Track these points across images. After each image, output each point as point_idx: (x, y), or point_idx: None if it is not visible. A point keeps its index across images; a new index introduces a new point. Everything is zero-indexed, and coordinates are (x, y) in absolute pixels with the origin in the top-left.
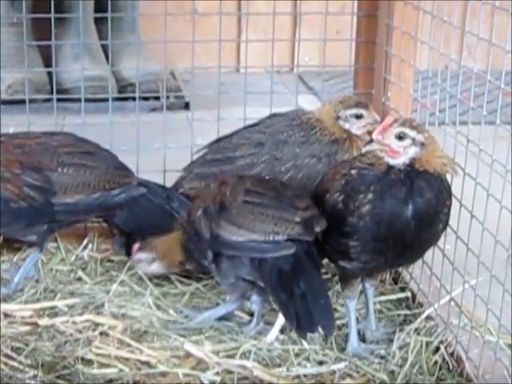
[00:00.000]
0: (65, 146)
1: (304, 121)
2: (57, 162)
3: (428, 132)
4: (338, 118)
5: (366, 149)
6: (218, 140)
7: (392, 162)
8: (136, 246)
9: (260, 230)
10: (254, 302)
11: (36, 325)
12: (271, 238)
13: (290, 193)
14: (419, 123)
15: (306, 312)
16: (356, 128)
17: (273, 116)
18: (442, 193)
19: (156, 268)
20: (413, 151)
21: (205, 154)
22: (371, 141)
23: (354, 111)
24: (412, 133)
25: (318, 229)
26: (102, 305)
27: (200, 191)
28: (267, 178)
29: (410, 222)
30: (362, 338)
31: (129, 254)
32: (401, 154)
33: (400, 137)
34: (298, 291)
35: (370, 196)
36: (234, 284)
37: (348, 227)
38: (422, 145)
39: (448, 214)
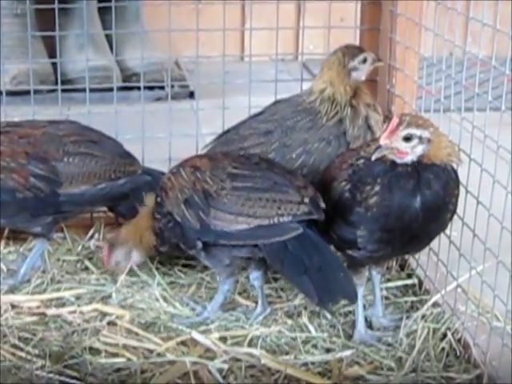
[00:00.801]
0: (70, 135)
1: (308, 105)
2: (62, 152)
3: (433, 125)
4: (350, 71)
5: (376, 156)
6: (225, 132)
7: (400, 161)
8: (105, 250)
9: (263, 214)
10: (256, 279)
11: (43, 315)
12: (276, 221)
13: (279, 170)
14: (423, 118)
15: (326, 283)
16: (365, 73)
17: (276, 103)
18: (449, 183)
19: (136, 258)
20: (420, 149)
21: (213, 147)
22: (379, 147)
23: (361, 56)
24: (418, 132)
25: (322, 205)
26: (110, 295)
27: (167, 180)
28: (242, 153)
29: (418, 214)
30: (369, 325)
31: None
32: (409, 154)
33: (407, 138)
34: (312, 266)
35: (377, 188)
36: (227, 265)
37: (355, 217)
38: (429, 141)
39: (456, 204)
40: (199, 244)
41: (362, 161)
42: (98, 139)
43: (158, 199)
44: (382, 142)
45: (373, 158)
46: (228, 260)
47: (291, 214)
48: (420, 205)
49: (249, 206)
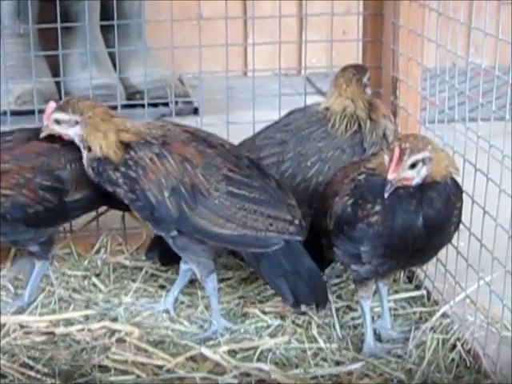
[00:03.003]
0: (64, 144)
1: (323, 116)
2: (64, 161)
3: (429, 141)
4: (365, 86)
5: (388, 192)
6: (241, 143)
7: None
8: (51, 104)
9: (252, 226)
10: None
11: (52, 334)
12: (263, 236)
13: (271, 181)
14: (419, 137)
15: (301, 286)
16: (369, 90)
17: (291, 113)
18: (451, 198)
19: (77, 131)
20: (425, 170)
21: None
22: (388, 182)
23: (368, 74)
24: (421, 155)
25: (306, 226)
26: (118, 313)
27: (149, 161)
28: (228, 147)
29: (421, 232)
30: (378, 338)
31: (164, 262)
32: (415, 178)
33: (413, 165)
34: (290, 269)
35: (378, 207)
36: (202, 260)
37: (358, 232)
38: (430, 159)
39: (459, 215)
40: (174, 230)
41: (363, 176)
42: None
43: (132, 174)
44: (391, 177)
45: (386, 195)
46: (195, 255)
47: (280, 232)
48: (422, 223)
49: (241, 215)
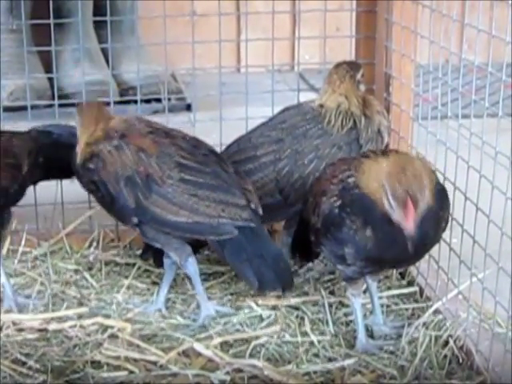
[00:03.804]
0: None
1: (318, 114)
2: None
3: (428, 174)
4: (358, 83)
5: (412, 247)
6: (236, 141)
7: None
8: None
9: (204, 213)
10: (174, 262)
11: (45, 331)
12: (215, 223)
13: (228, 167)
14: (416, 169)
15: (266, 271)
16: (363, 86)
17: (285, 110)
18: (438, 214)
19: None
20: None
21: (227, 157)
22: (410, 237)
23: (361, 71)
24: (426, 199)
25: (260, 212)
26: (110, 308)
27: (107, 153)
28: (188, 138)
29: (408, 250)
30: (371, 334)
31: (158, 263)
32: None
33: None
34: (253, 253)
35: (368, 227)
36: (176, 246)
37: (343, 235)
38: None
39: (448, 219)
40: (135, 219)
41: (353, 179)
42: None
43: (91, 166)
44: (411, 230)
45: (411, 249)
46: (161, 242)
47: (232, 219)
48: (411, 243)
49: (193, 202)
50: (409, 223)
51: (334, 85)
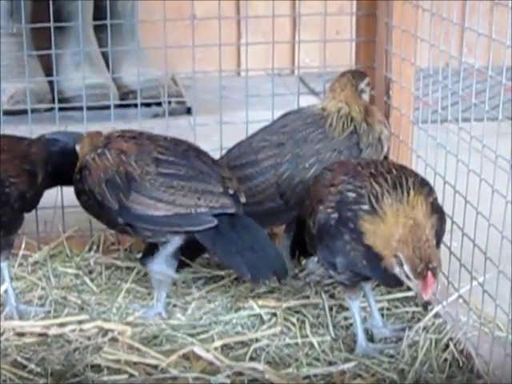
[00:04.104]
0: None
1: (320, 117)
2: None
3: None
4: (360, 92)
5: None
6: (236, 146)
7: None
8: None
9: (182, 203)
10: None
11: (45, 335)
12: (194, 212)
13: (207, 159)
14: (425, 242)
15: (257, 261)
16: (368, 96)
17: (286, 115)
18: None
19: None
20: None
21: (228, 161)
22: (428, 304)
23: (366, 80)
24: (439, 260)
25: (242, 199)
26: (110, 312)
27: (91, 160)
28: (169, 139)
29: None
30: (371, 337)
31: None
32: None
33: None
34: (244, 245)
35: (362, 248)
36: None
37: (336, 245)
38: None
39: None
40: (121, 220)
41: (352, 194)
42: None
43: (79, 176)
44: (428, 300)
45: (425, 309)
46: (154, 239)
47: (209, 207)
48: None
49: (170, 194)
50: (428, 295)
51: (335, 92)
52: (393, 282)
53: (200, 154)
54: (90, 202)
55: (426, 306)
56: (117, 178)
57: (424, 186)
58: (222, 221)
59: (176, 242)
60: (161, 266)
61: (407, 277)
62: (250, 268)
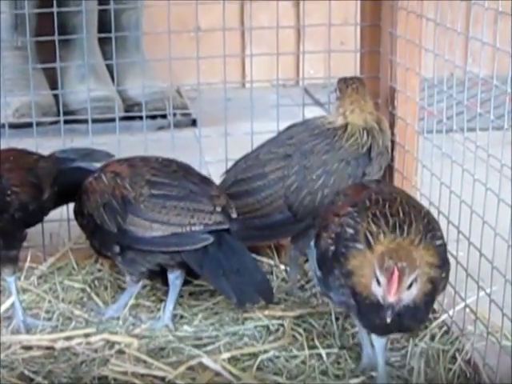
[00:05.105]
0: None
1: (326, 129)
2: None
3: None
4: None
5: (390, 317)
6: (243, 158)
7: None
8: None
9: (176, 222)
10: (177, 278)
11: (52, 348)
12: (189, 230)
13: (195, 178)
14: (404, 250)
15: (243, 284)
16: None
17: (292, 127)
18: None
19: None
20: (415, 289)
21: (235, 174)
22: (390, 306)
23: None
24: (416, 272)
25: (234, 215)
26: (117, 325)
27: (89, 184)
28: (160, 160)
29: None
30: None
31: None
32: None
33: (410, 285)
34: (230, 268)
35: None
36: (142, 273)
37: (331, 282)
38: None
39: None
40: (117, 248)
41: (350, 230)
42: None
43: (79, 201)
44: (393, 300)
45: (388, 319)
46: (144, 267)
47: (203, 224)
48: (390, 313)
49: (164, 214)
50: (391, 295)
51: (359, 103)
52: (380, 329)
53: (188, 173)
54: (90, 225)
55: (388, 310)
56: (113, 202)
57: (428, 232)
58: (209, 244)
59: (133, 289)
60: (118, 312)
61: (377, 280)
62: (236, 292)
